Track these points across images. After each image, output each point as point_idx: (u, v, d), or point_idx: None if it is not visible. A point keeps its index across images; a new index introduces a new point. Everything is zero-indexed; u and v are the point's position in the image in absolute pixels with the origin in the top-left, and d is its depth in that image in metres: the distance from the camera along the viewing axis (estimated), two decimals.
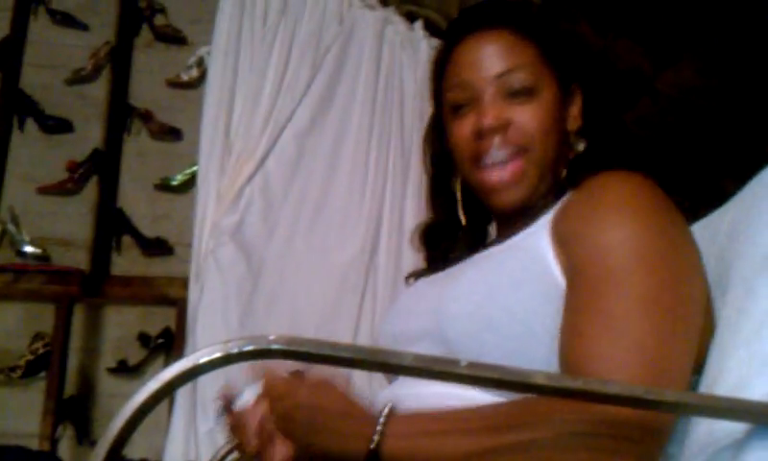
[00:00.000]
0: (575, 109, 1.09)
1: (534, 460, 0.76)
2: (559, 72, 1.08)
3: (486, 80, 1.05)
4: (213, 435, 2.03)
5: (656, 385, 0.76)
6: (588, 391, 0.59)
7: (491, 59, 1.05)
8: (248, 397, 0.92)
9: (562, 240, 0.92)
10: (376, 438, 0.78)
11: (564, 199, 0.98)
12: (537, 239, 0.95)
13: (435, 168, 1.21)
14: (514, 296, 0.90)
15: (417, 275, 1.22)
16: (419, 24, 2.65)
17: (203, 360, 0.60)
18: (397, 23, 2.64)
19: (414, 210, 2.45)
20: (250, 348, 0.60)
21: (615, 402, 0.61)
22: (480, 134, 1.04)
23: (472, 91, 1.06)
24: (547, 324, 0.87)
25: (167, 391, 0.61)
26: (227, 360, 0.61)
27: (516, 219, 1.05)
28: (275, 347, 0.60)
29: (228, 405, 0.94)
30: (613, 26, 2.28)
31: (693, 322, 0.85)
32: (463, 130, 1.08)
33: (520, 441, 0.76)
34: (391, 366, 0.63)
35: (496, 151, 1.03)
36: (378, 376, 1.34)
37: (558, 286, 0.90)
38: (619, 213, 0.90)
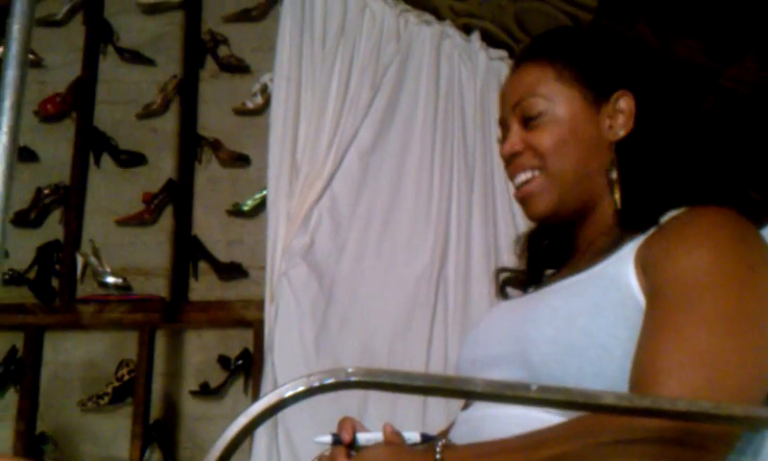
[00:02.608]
0: (621, 118, 1.10)
1: None
2: (589, 86, 1.11)
3: (508, 112, 1.15)
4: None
5: (713, 397, 0.78)
6: (656, 409, 0.60)
7: (509, 92, 1.16)
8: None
9: (645, 266, 0.94)
10: None
11: (652, 230, 1.00)
12: (621, 267, 0.96)
13: None
14: (594, 321, 0.92)
15: (511, 283, 1.25)
16: (475, 36, 2.66)
17: (287, 394, 0.64)
18: (454, 36, 2.66)
19: (480, 220, 2.46)
20: (330, 381, 0.64)
21: (685, 419, 0.63)
22: (505, 161, 1.15)
23: (505, 125, 1.16)
24: (628, 348, 0.89)
25: (255, 425, 0.65)
26: (309, 393, 0.65)
27: (596, 249, 1.07)
28: (353, 379, 0.64)
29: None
30: (675, 25, 2.26)
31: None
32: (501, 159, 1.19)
33: (565, 452, 0.81)
34: (463, 392, 0.66)
35: (518, 174, 1.13)
36: (457, 400, 1.37)
37: (640, 311, 0.92)
38: (701, 241, 0.92)
